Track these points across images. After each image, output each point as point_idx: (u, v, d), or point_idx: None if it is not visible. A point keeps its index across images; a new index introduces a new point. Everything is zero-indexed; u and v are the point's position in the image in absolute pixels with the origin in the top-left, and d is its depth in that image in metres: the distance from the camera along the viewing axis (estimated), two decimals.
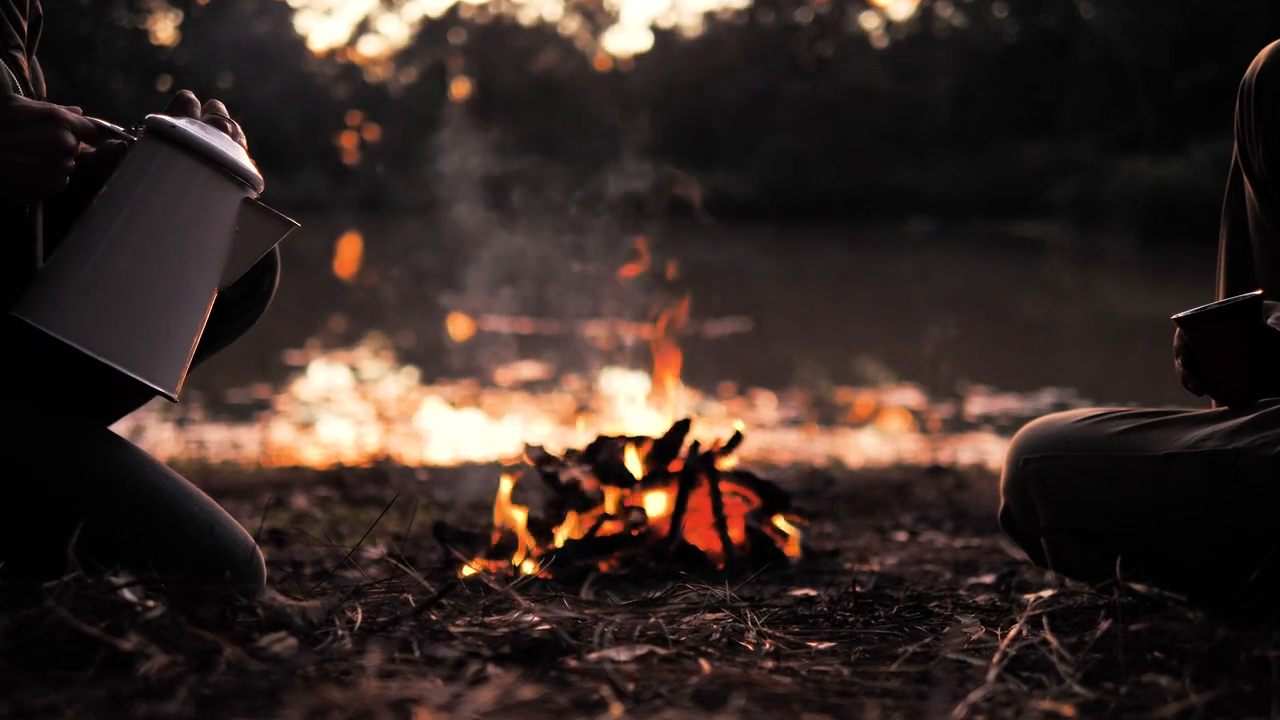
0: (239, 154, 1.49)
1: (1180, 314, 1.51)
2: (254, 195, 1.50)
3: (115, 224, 1.45)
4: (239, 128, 1.53)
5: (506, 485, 2.46)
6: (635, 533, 2.35)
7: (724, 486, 2.46)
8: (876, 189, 28.57)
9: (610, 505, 2.41)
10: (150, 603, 1.20)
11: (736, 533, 2.42)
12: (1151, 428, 1.58)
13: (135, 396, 1.66)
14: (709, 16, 38.18)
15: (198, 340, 1.51)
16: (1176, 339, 1.58)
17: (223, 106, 1.54)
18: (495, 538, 2.41)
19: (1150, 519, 1.54)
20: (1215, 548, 1.49)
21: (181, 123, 1.47)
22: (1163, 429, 1.56)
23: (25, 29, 1.61)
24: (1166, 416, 1.59)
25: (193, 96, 1.52)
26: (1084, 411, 1.69)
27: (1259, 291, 1.50)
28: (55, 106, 1.42)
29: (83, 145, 1.46)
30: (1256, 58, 1.63)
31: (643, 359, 2.85)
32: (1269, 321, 1.47)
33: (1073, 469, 1.62)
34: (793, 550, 2.44)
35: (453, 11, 38.41)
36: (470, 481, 3.57)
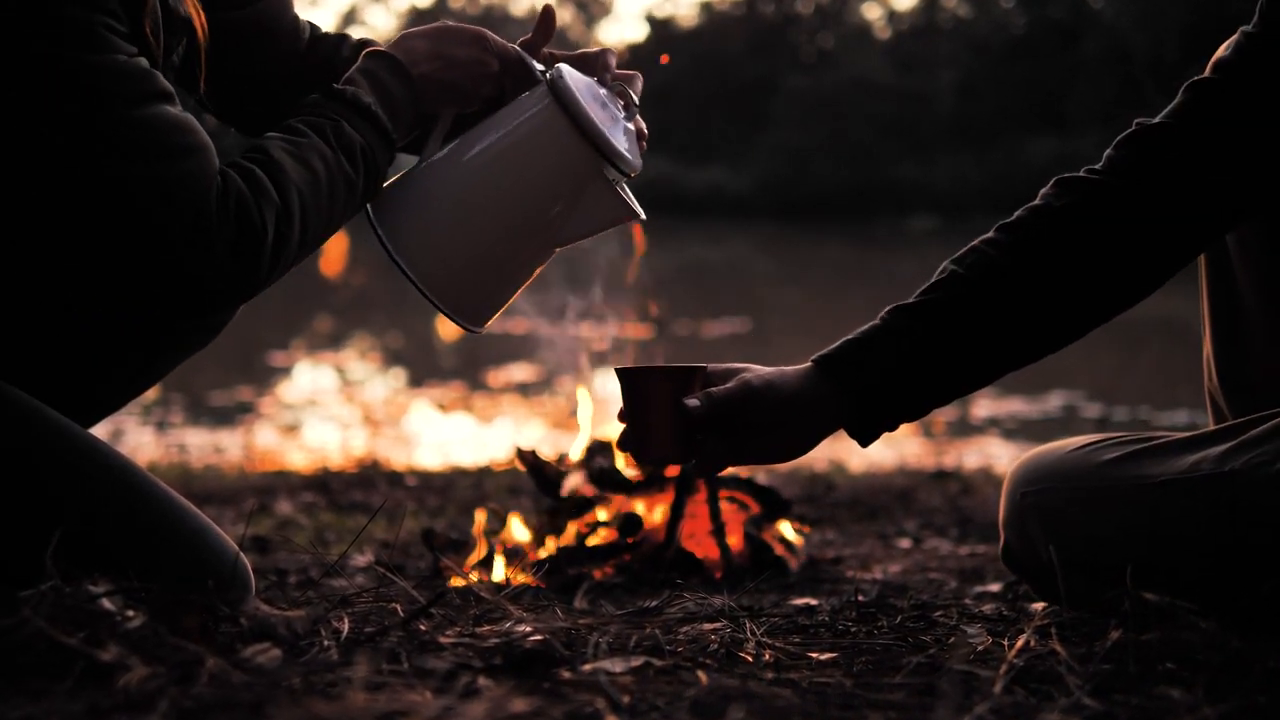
0: (617, 133, 1.51)
1: (621, 366, 1.53)
2: (614, 176, 1.51)
3: (476, 157, 1.51)
4: (635, 104, 1.55)
5: (497, 491, 2.43)
6: (631, 540, 2.33)
7: (722, 492, 2.43)
8: (878, 185, 28.49)
9: (605, 511, 2.39)
10: (130, 612, 1.18)
11: (735, 540, 2.39)
12: (1144, 454, 1.55)
13: (118, 397, 1.63)
14: (706, 7, 38.16)
15: (518, 293, 1.56)
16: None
17: (640, 82, 1.57)
18: (485, 545, 2.38)
19: (1149, 547, 1.51)
20: (1217, 573, 1.46)
21: (581, 84, 1.50)
22: (1156, 456, 1.54)
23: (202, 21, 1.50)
24: (1159, 441, 1.56)
25: (612, 60, 1.56)
26: (1079, 440, 1.67)
27: (704, 365, 1.53)
28: (485, 31, 1.52)
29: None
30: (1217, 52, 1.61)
31: (638, 359, 2.82)
32: (689, 400, 1.48)
33: (1070, 500, 1.60)
34: (793, 558, 2.41)
35: (441, 2, 38.34)
36: (460, 487, 3.55)
